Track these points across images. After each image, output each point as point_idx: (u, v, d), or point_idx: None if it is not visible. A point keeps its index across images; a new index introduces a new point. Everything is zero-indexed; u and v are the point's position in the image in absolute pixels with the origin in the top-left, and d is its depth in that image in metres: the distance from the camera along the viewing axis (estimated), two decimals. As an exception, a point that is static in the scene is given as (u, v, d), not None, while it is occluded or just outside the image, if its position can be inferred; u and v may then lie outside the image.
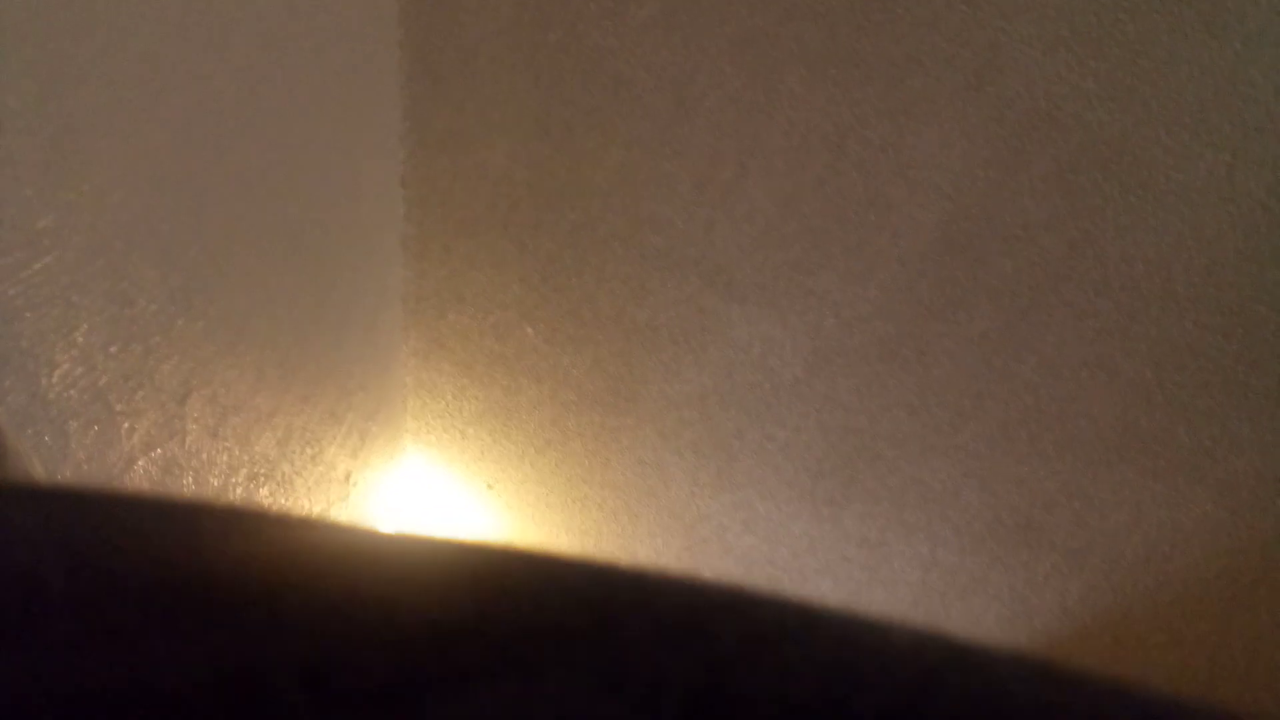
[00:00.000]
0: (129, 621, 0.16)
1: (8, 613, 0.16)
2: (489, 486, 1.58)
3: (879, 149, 1.09)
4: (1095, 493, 1.23)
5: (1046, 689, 0.17)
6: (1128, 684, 0.17)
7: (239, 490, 1.04)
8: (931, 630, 0.18)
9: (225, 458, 0.99)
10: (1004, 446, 1.23)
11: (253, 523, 0.21)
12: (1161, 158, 1.00)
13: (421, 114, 1.24)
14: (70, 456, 0.75)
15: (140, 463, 0.85)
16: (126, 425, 0.81)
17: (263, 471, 1.08)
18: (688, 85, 1.12)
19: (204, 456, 0.95)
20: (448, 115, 1.23)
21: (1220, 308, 1.06)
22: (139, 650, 0.15)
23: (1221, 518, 1.19)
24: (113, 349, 0.78)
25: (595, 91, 1.16)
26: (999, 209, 1.08)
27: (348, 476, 1.33)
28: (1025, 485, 1.25)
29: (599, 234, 1.26)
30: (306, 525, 0.22)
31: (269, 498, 1.11)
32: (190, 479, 0.93)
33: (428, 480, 1.60)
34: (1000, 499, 1.28)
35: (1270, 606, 1.22)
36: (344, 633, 0.16)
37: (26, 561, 0.18)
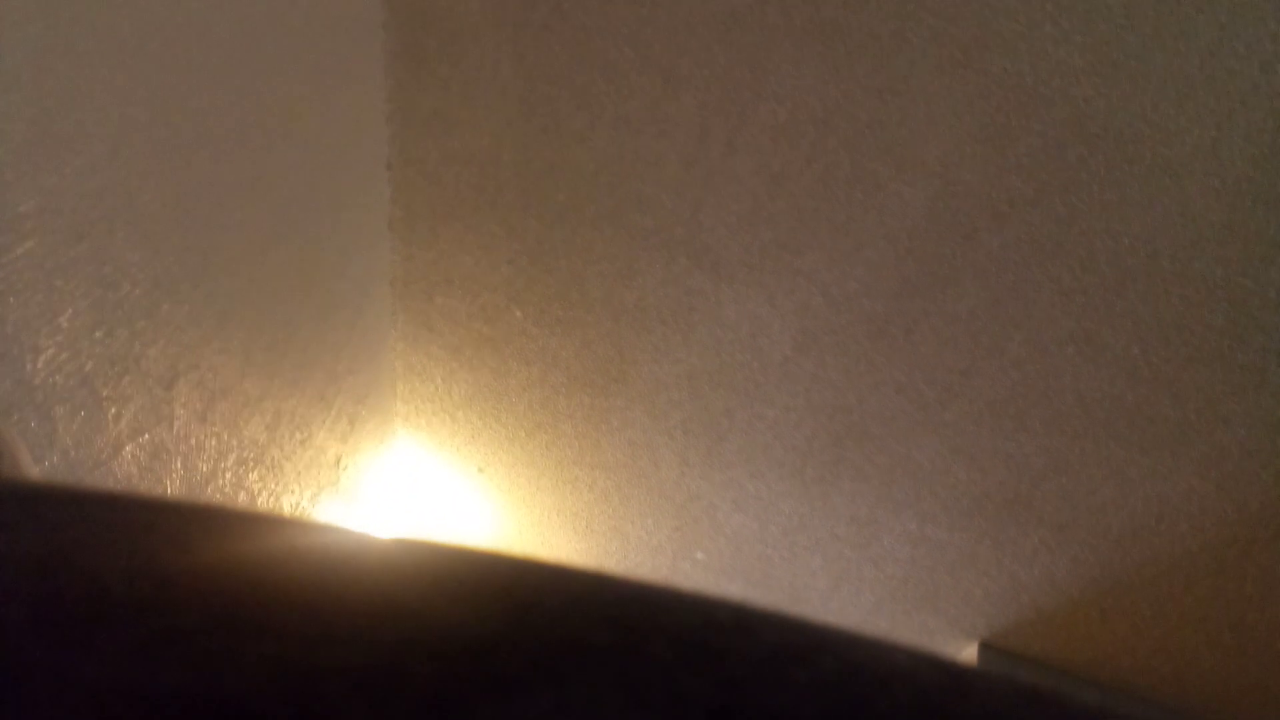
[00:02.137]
0: (189, 626, 0.16)
1: (76, 617, 0.16)
2: (479, 470, 1.58)
3: (866, 127, 1.09)
4: (1082, 468, 1.24)
5: (1035, 712, 0.17)
6: (1115, 709, 0.18)
7: (228, 475, 1.04)
8: (929, 653, 0.18)
9: (214, 442, 0.99)
10: (991, 423, 1.24)
11: (292, 532, 0.22)
12: (1147, 132, 1.01)
13: (406, 96, 1.23)
14: (57, 442, 0.75)
15: (128, 448, 0.84)
16: (113, 410, 0.81)
17: (252, 456, 1.08)
18: (674, 64, 1.11)
19: (192, 441, 0.95)
20: (433, 97, 1.22)
21: (1205, 282, 1.07)
22: (200, 654, 0.16)
23: (1207, 491, 1.20)
24: (98, 334, 0.77)
25: (581, 71, 1.15)
26: (986, 186, 1.08)
27: (338, 460, 1.33)
28: (1013, 461, 1.26)
29: (586, 215, 1.25)
30: (341, 535, 0.22)
31: (258, 482, 1.11)
32: (179, 464, 0.93)
33: (418, 464, 1.60)
34: (988, 475, 1.29)
35: (1255, 579, 1.23)
36: (388, 641, 0.16)
37: (89, 567, 0.18)
